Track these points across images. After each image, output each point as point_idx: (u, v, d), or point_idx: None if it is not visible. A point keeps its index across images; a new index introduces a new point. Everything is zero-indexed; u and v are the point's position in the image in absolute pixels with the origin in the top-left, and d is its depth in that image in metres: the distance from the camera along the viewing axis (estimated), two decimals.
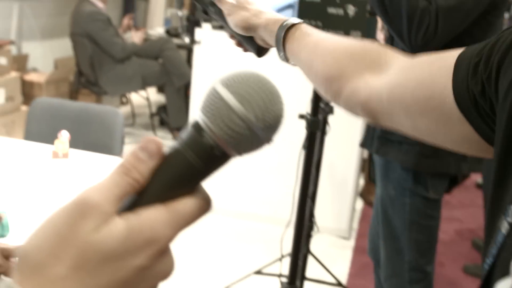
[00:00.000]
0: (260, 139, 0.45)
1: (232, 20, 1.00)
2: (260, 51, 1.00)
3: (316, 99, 1.34)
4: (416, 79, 0.71)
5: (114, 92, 4.95)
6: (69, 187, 1.90)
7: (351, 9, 1.30)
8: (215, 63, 3.37)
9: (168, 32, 5.56)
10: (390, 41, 1.80)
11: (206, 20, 0.95)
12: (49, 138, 2.51)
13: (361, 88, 0.79)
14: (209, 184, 0.47)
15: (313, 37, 0.88)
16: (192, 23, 3.33)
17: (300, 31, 0.90)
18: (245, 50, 1.03)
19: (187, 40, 3.66)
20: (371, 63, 0.80)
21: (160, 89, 5.84)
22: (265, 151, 2.36)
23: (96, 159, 2.18)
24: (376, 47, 0.82)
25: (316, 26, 1.27)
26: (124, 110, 5.83)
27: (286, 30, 0.91)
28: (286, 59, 0.93)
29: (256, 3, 0.99)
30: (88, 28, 4.55)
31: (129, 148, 3.91)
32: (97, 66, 4.67)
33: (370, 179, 2.15)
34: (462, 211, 4.27)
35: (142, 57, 4.91)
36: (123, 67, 4.71)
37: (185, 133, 0.46)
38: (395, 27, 1.63)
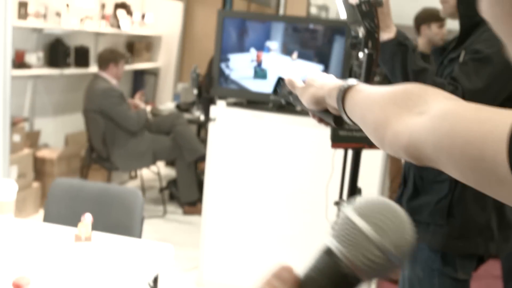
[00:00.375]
0: (394, 265, 0.46)
1: (303, 100, 1.07)
2: (337, 121, 1.03)
3: (353, 184, 1.35)
4: (466, 136, 0.69)
5: (126, 168, 4.97)
6: (95, 273, 1.88)
7: None
8: (230, 140, 3.40)
9: (178, 107, 5.64)
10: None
11: (287, 102, 1.00)
12: (69, 219, 2.50)
13: (402, 131, 0.79)
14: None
15: (364, 92, 0.90)
16: (206, 101, 3.40)
17: (354, 90, 0.93)
18: (326, 124, 1.07)
19: (202, 117, 3.73)
20: (412, 105, 0.79)
21: (169, 163, 5.87)
22: (302, 231, 2.32)
23: (119, 242, 2.17)
24: (417, 88, 0.82)
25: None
26: (133, 184, 5.83)
27: (344, 93, 0.94)
28: (349, 120, 0.95)
29: (322, 78, 1.05)
30: (103, 104, 4.61)
31: None
32: (109, 142, 4.71)
33: None
34: (477, 283, 4.18)
35: (153, 132, 4.96)
36: (136, 142, 4.75)
37: (318, 260, 0.47)
38: None
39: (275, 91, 1.20)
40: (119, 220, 2.55)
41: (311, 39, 3.27)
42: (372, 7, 1.28)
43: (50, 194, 2.67)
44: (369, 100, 0.88)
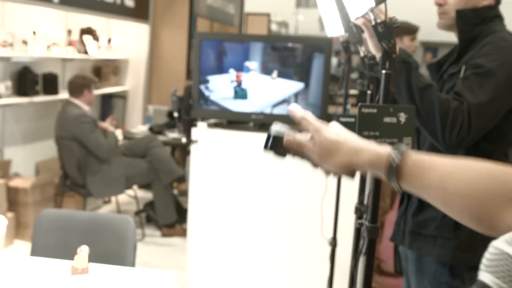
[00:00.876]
0: None
1: (329, 167, 0.98)
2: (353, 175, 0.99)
3: (375, 206, 1.31)
4: None
5: (100, 195, 4.83)
6: None
7: (402, 117, 1.31)
8: (214, 161, 3.34)
9: (151, 129, 5.54)
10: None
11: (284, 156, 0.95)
12: (59, 251, 2.40)
13: None
14: None
15: (434, 172, 0.86)
16: (187, 123, 3.30)
17: (414, 166, 0.88)
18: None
19: (184, 139, 3.63)
20: None
21: (143, 186, 5.74)
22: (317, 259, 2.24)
23: (116, 272, 2.08)
24: (505, 172, 0.80)
25: (374, 137, 1.26)
26: (108, 209, 5.69)
27: (398, 166, 0.89)
28: (399, 188, 0.90)
29: (346, 140, 0.96)
30: (75, 131, 4.49)
31: None
32: (84, 169, 4.59)
33: (396, 271, 2.12)
34: None
35: (128, 156, 4.85)
36: (108, 169, 4.62)
37: None
38: (428, 127, 1.64)
39: (267, 148, 1.05)
40: (111, 249, 2.46)
41: (290, 58, 3.26)
42: (388, 27, 1.26)
43: (36, 227, 2.55)
44: (451, 185, 0.84)
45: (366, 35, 1.67)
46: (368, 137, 1.26)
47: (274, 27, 12.70)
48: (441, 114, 1.60)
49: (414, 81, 1.61)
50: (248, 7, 10.45)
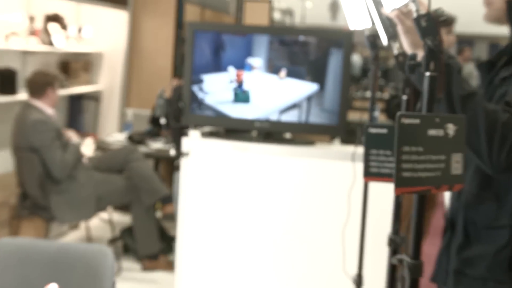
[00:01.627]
0: None
1: None
2: None
3: (418, 238, 1.29)
4: None
5: (65, 219, 4.77)
6: None
7: (451, 128, 1.30)
8: (208, 178, 3.33)
9: (130, 138, 5.51)
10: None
11: None
12: None
13: None
14: None
15: None
16: (177, 131, 3.24)
17: None
18: None
19: (172, 152, 3.60)
20: None
21: (121, 207, 5.72)
22: None
23: None
24: None
25: (417, 153, 1.24)
26: (75, 235, 5.66)
27: None
28: None
29: None
30: (33, 140, 4.44)
31: None
32: (46, 187, 4.54)
33: None
34: None
35: (102, 171, 4.82)
36: (75, 187, 4.57)
37: None
38: (472, 145, 1.60)
39: None
40: None
41: (302, 54, 3.25)
42: (433, 21, 1.24)
43: None
44: None
45: (399, 30, 1.66)
46: (409, 153, 1.24)
47: (277, 15, 12.76)
48: (487, 129, 1.56)
49: (455, 87, 1.58)
50: None
